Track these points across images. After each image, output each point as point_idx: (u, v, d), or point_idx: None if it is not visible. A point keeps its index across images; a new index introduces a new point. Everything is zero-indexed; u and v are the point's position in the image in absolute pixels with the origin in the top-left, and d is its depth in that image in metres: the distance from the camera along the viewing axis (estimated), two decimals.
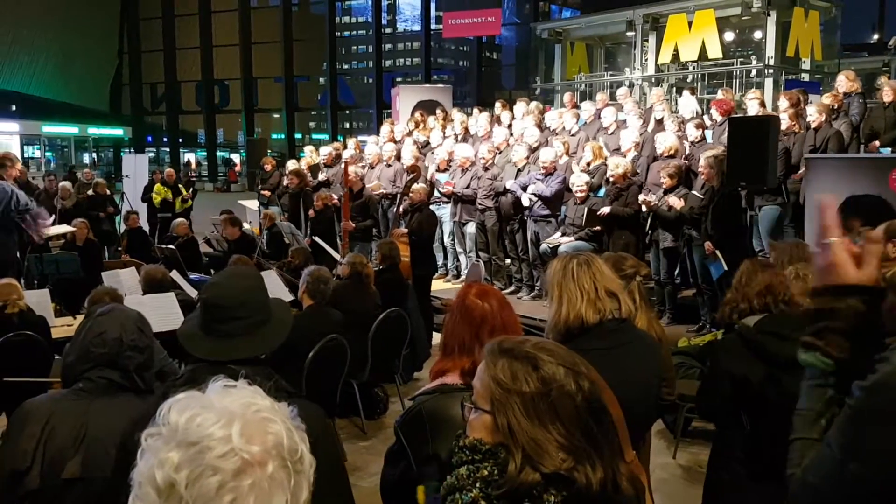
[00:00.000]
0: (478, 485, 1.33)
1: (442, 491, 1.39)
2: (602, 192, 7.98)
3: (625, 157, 8.00)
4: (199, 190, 16.40)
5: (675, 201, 7.04)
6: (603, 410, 1.37)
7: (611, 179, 7.69)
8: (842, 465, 1.26)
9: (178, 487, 0.92)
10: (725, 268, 6.66)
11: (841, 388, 1.37)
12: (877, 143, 7.32)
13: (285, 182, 10.77)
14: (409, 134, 11.42)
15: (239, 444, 0.95)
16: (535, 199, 8.18)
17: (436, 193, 9.57)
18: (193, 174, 32.88)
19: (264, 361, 2.02)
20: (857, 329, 1.36)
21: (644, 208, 7.34)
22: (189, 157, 38.13)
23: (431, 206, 9.53)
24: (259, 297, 2.01)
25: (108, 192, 13.18)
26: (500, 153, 9.25)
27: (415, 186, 8.51)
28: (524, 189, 8.27)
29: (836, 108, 7.67)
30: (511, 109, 10.83)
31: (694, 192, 7.17)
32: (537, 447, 1.30)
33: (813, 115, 7.33)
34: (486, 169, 8.99)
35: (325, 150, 11.65)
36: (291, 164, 12.13)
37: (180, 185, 13.82)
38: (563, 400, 1.33)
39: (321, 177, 11.05)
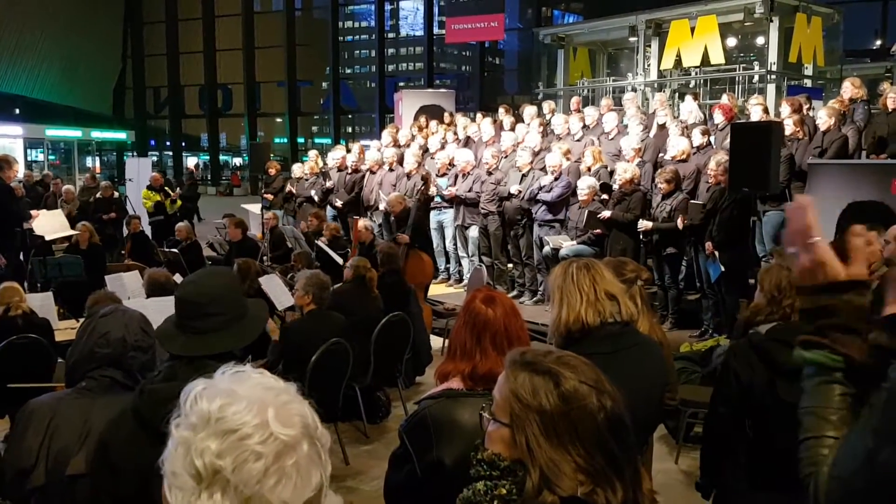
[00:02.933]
0: (495, 503, 1.33)
1: (458, 503, 1.39)
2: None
3: (630, 162, 8.01)
4: (201, 193, 16.41)
5: (679, 223, 7.08)
6: (625, 429, 1.33)
7: (617, 183, 7.71)
8: (874, 454, 1.24)
9: (223, 473, 0.96)
10: (722, 269, 6.68)
11: (853, 382, 1.36)
12: (884, 155, 7.29)
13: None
14: (413, 139, 11.44)
15: (277, 429, 0.99)
16: (545, 183, 8.20)
17: (436, 199, 9.58)
18: (198, 177, 32.99)
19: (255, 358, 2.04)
20: (859, 322, 1.35)
21: (641, 230, 7.36)
22: (191, 161, 38.17)
23: (432, 212, 9.57)
24: (230, 294, 2.05)
25: (115, 194, 13.26)
26: (505, 157, 9.27)
27: (391, 198, 8.44)
28: (534, 197, 8.30)
29: (843, 113, 7.66)
30: (514, 115, 10.84)
31: (688, 198, 7.20)
32: (555, 468, 1.28)
33: (822, 118, 7.33)
34: (489, 173, 9.00)
35: (339, 154, 11.57)
36: (296, 169, 12.15)
37: (167, 188, 13.87)
38: (584, 419, 1.31)
39: (328, 184, 11.04)
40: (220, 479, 0.96)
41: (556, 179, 8.17)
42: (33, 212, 9.00)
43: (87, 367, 2.23)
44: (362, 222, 8.66)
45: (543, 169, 8.43)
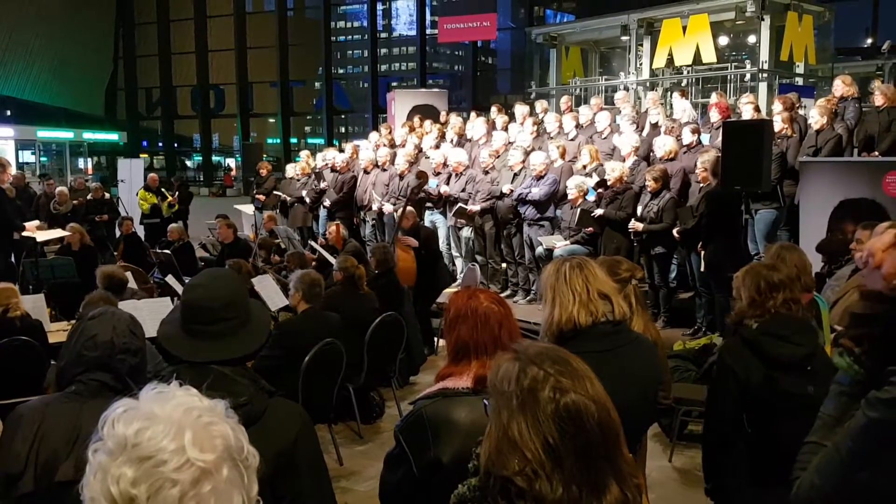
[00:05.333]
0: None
1: (452, 499, 1.39)
2: (592, 194, 8.00)
3: (624, 161, 8.02)
4: (193, 194, 16.34)
5: (676, 234, 7.10)
6: (579, 427, 1.29)
7: (607, 183, 7.71)
8: (850, 471, 1.24)
9: (138, 501, 0.94)
10: (702, 269, 6.71)
11: (862, 397, 1.35)
12: (875, 153, 7.32)
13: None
14: (406, 140, 11.43)
15: (193, 454, 0.97)
16: (530, 193, 8.20)
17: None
18: (187, 178, 32.88)
19: (252, 361, 2.01)
20: (891, 337, 1.33)
21: (632, 231, 7.36)
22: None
23: (426, 212, 9.56)
24: (242, 298, 2.02)
25: (106, 195, 13.18)
26: (498, 157, 9.27)
27: (406, 213, 8.45)
28: (524, 199, 8.30)
29: (834, 111, 7.69)
30: (507, 114, 10.84)
31: (675, 198, 7.22)
32: (498, 448, 1.30)
33: (815, 117, 7.35)
34: (486, 173, 9.00)
35: (331, 154, 11.56)
36: (290, 169, 12.13)
37: (164, 189, 13.80)
38: (531, 405, 1.30)
39: (323, 185, 11.02)
40: None
41: (538, 180, 8.19)
42: (28, 227, 8.73)
43: (75, 370, 2.20)
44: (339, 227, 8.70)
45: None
